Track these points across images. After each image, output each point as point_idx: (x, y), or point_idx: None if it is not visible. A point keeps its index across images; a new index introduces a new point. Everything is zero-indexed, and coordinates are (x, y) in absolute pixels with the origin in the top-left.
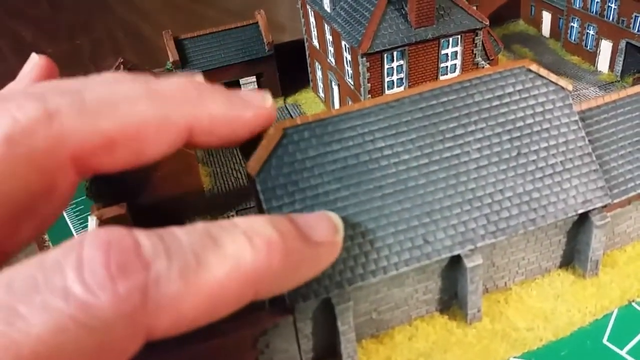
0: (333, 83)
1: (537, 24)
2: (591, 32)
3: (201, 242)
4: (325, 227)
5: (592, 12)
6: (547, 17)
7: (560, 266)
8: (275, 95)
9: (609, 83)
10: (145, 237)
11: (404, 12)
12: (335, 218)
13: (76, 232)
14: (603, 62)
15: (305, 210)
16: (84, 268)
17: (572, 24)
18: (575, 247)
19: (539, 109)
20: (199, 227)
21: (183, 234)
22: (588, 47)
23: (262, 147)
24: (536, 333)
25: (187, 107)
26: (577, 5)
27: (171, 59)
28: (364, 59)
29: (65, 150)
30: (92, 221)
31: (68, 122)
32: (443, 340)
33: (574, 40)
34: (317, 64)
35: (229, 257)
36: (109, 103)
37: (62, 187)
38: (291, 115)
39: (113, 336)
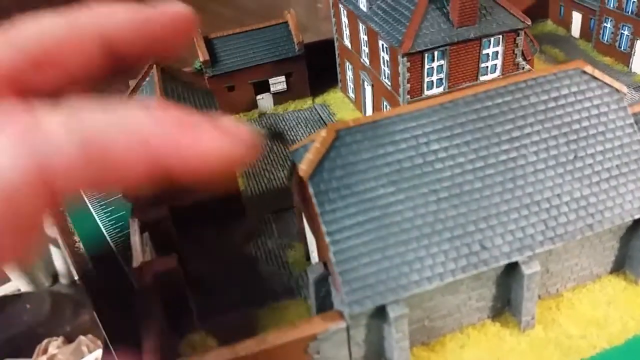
0: (366, 83)
1: (567, 24)
2: (626, 33)
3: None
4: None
5: (628, 12)
6: (577, 17)
7: (611, 272)
8: (304, 95)
9: None
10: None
11: (445, 11)
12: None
13: (108, 234)
14: (638, 63)
15: (359, 214)
16: None
17: (605, 24)
18: (627, 252)
19: (594, 112)
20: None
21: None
22: (622, 48)
23: (314, 150)
24: (590, 341)
25: (97, 18)
26: (612, 6)
27: (201, 59)
28: (405, 58)
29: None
30: (134, 224)
31: None
32: (496, 348)
33: (607, 41)
34: (347, 64)
35: (122, 120)
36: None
37: None
38: (320, 116)
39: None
